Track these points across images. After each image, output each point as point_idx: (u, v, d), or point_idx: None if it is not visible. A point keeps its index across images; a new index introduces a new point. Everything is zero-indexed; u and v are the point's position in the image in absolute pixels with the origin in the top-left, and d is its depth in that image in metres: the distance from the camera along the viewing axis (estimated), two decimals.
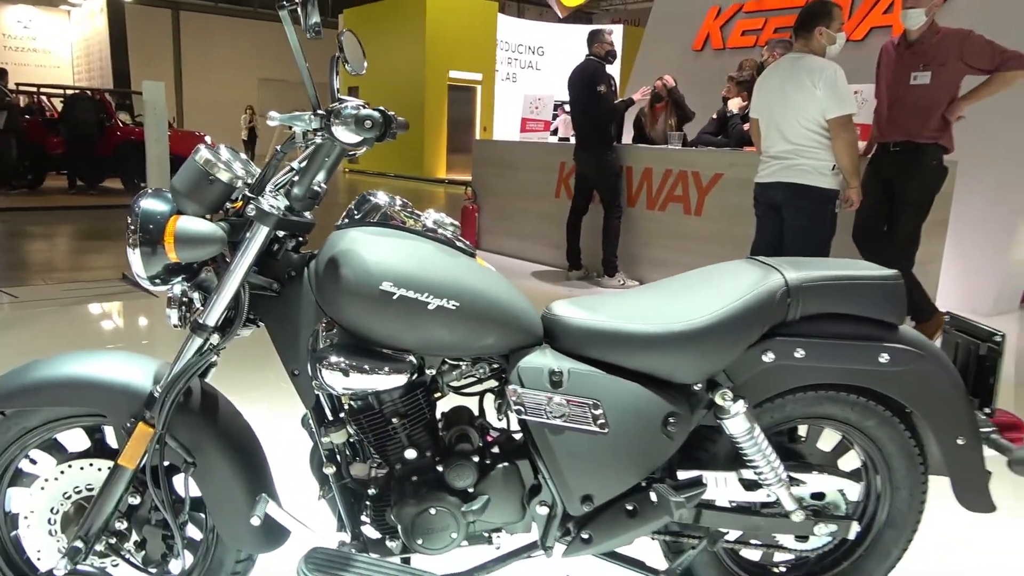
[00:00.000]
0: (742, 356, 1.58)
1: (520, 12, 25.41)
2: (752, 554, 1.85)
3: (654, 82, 6.51)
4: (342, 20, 20.27)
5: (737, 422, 1.56)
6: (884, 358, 1.60)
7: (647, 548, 1.80)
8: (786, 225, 3.86)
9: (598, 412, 1.53)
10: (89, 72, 21.26)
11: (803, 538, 1.72)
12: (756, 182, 4.01)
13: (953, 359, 1.79)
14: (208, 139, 11.29)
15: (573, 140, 6.20)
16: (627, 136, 7.22)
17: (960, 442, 1.69)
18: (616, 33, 17.70)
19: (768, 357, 1.58)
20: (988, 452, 1.73)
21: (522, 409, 1.53)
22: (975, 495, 1.74)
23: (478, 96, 18.42)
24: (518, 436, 1.65)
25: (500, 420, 1.65)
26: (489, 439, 1.65)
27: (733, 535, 1.73)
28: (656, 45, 8.62)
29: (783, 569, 1.85)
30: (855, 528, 1.75)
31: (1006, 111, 5.17)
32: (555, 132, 8.18)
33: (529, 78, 18.96)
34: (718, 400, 1.56)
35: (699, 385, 1.59)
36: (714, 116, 6.14)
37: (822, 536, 1.71)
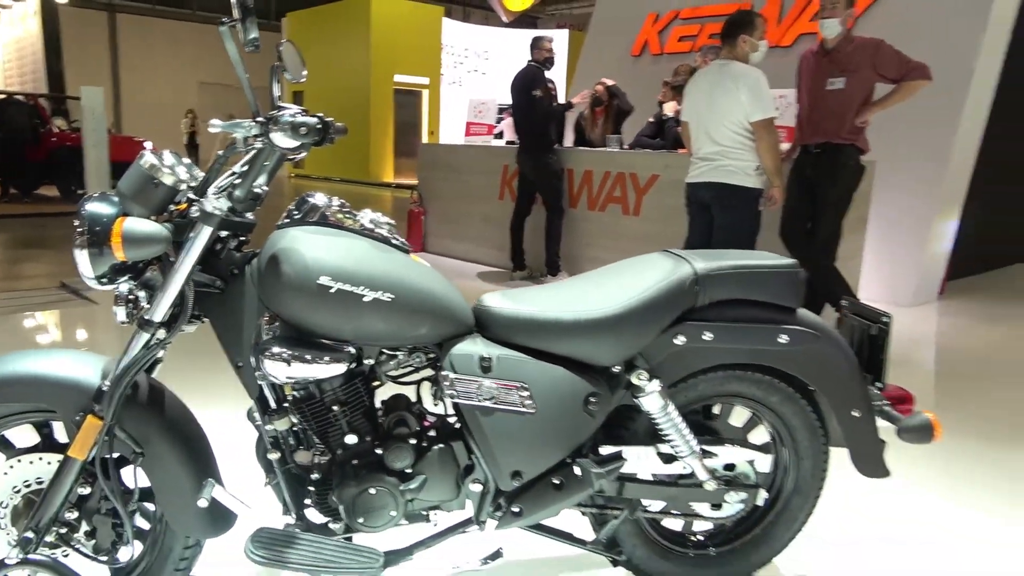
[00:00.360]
0: (656, 340, 1.73)
1: (466, 16, 25.53)
2: (673, 524, 2.01)
3: (594, 86, 6.70)
4: (285, 24, 20.09)
5: (652, 400, 1.71)
6: (783, 339, 1.77)
7: (576, 521, 1.93)
8: (715, 222, 4.06)
9: (525, 394, 1.66)
10: (22, 76, 20.64)
11: (717, 506, 1.88)
12: (687, 182, 4.21)
13: (850, 340, 1.97)
14: (148, 144, 11.12)
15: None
16: (569, 139, 7.41)
17: (855, 414, 1.86)
18: (561, 38, 18.02)
19: (680, 340, 1.73)
20: (882, 423, 1.92)
21: (455, 394, 1.65)
22: (871, 463, 1.92)
23: (424, 100, 18.48)
24: (453, 420, 1.76)
25: (436, 405, 1.76)
26: (426, 423, 1.76)
27: (654, 506, 1.88)
28: (597, 50, 8.83)
29: (701, 538, 2.01)
30: (763, 495, 1.92)
31: (921, 116, 5.50)
32: (500, 135, 8.32)
33: (475, 82, 19.09)
34: (634, 380, 1.71)
35: (618, 367, 1.73)
36: (651, 120, 6.36)
37: (734, 504, 1.87)
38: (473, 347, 1.66)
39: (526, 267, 6.33)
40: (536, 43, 6.11)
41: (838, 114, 4.25)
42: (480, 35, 19.67)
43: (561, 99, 6.24)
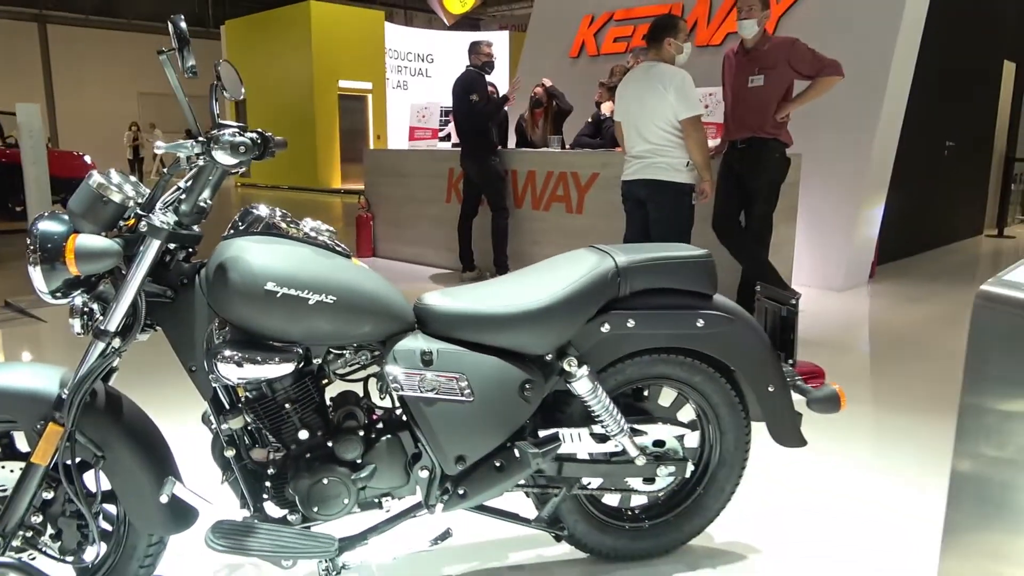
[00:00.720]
0: (584, 328, 1.88)
1: (409, 20, 25.51)
2: (611, 500, 2.16)
3: (533, 88, 6.86)
4: (224, 32, 19.83)
5: (582, 384, 1.86)
6: (700, 323, 1.94)
7: (520, 502, 2.07)
8: (650, 217, 4.25)
9: (464, 384, 1.79)
10: None
11: (650, 480, 2.03)
12: (622, 180, 4.39)
13: (763, 322, 2.15)
14: (87, 158, 10.92)
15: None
16: (512, 141, 7.56)
17: (770, 389, 2.05)
18: (503, 39, 18.18)
19: (605, 328, 1.89)
20: (797, 397, 2.10)
21: (399, 387, 1.77)
22: (788, 434, 2.10)
23: (369, 105, 18.45)
24: (399, 411, 1.88)
25: (382, 399, 1.88)
26: (374, 417, 1.88)
27: (593, 483, 2.03)
28: (536, 52, 9.00)
29: (637, 512, 2.16)
30: (690, 468, 2.09)
31: (845, 111, 5.80)
32: (447, 138, 8.43)
33: (420, 85, 19.13)
34: (565, 366, 1.85)
35: (550, 355, 1.88)
36: (589, 120, 6.55)
37: (664, 478, 2.03)
38: (414, 343, 1.79)
39: (476, 267, 6.46)
40: (474, 47, 6.24)
41: (760, 110, 4.49)
42: (423, 38, 19.71)
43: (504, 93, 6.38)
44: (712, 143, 5.09)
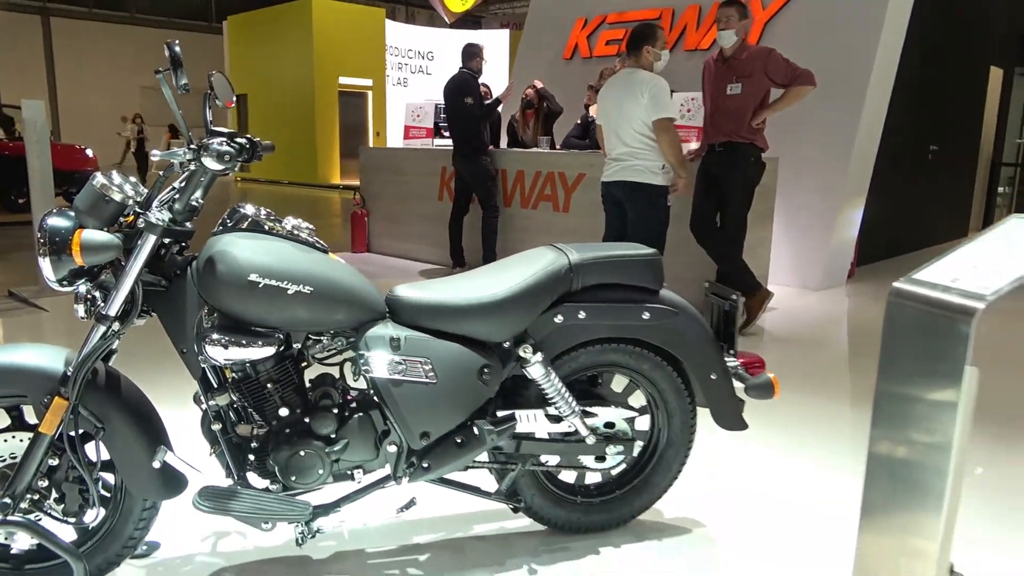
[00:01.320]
0: (539, 319, 2.07)
1: (410, 17, 25.70)
2: (568, 477, 2.36)
3: (524, 90, 7.05)
4: (226, 27, 20.02)
5: (536, 369, 2.06)
6: (646, 315, 2.13)
7: (482, 477, 2.27)
8: (628, 217, 4.44)
9: (428, 368, 1.99)
10: None
11: (601, 459, 2.23)
12: (602, 181, 4.58)
13: (710, 316, 2.34)
14: (89, 152, 11.12)
15: None
16: (504, 141, 7.75)
17: (713, 377, 2.24)
18: (503, 38, 18.35)
19: (558, 319, 2.08)
20: (739, 385, 2.30)
21: (370, 370, 1.97)
22: (729, 418, 2.30)
23: (369, 102, 18.64)
24: (371, 392, 2.08)
25: (356, 381, 2.08)
26: (348, 397, 2.07)
27: (549, 461, 2.22)
28: (531, 53, 9.18)
29: (591, 488, 2.36)
30: (639, 446, 2.29)
31: (826, 116, 5.98)
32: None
33: (420, 83, 19.31)
34: (521, 353, 2.05)
35: (508, 343, 2.07)
36: (578, 121, 6.74)
37: (614, 456, 2.22)
38: (384, 330, 1.99)
39: (465, 263, 6.65)
40: (467, 50, 6.44)
41: (737, 116, 4.68)
42: (424, 36, 19.88)
43: (498, 95, 6.58)
44: (693, 146, 5.29)
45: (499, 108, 6.67)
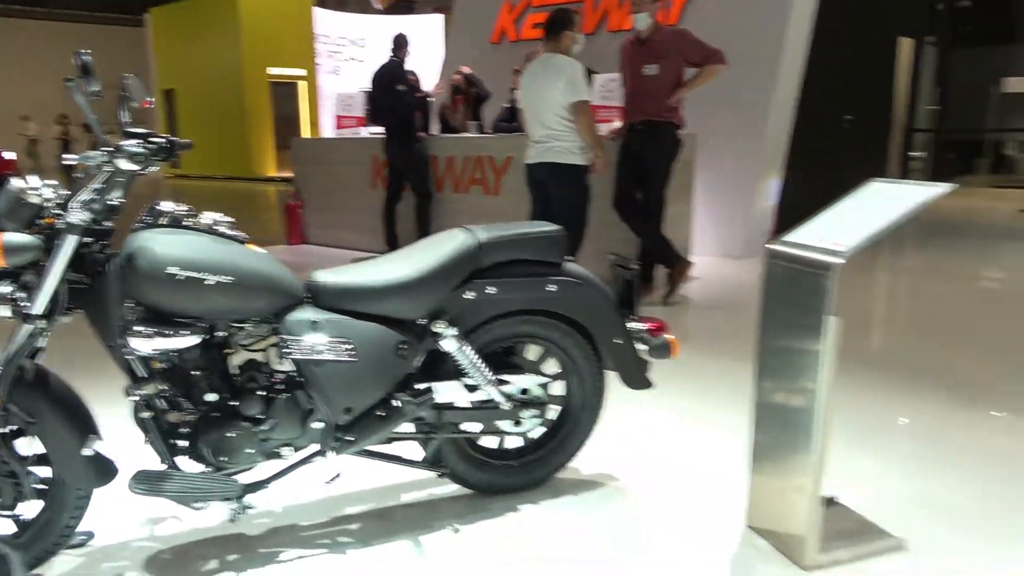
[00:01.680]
0: (451, 296, 2.22)
1: (342, 4, 25.30)
2: (490, 443, 2.51)
3: (451, 76, 7.14)
4: (148, 20, 19.48)
5: (449, 343, 2.20)
6: (551, 287, 2.30)
7: (411, 448, 2.41)
8: (551, 197, 4.61)
9: (348, 347, 2.12)
10: None
11: (518, 423, 2.39)
12: (525, 163, 4.74)
13: (615, 285, 2.52)
14: (8, 155, 10.80)
15: None
16: (436, 127, 7.83)
17: (617, 341, 2.42)
18: (437, 22, 18.27)
19: (469, 295, 2.23)
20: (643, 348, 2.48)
21: (292, 352, 2.09)
22: (635, 378, 2.49)
23: (303, 92, 18.39)
24: (295, 374, 2.19)
25: (281, 364, 2.19)
26: (273, 379, 2.18)
27: (470, 428, 2.38)
28: (460, 38, 9.27)
29: (513, 452, 2.52)
30: (553, 410, 2.46)
31: (741, 93, 6.24)
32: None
33: (354, 71, 19.10)
34: (434, 328, 2.19)
35: (423, 320, 2.21)
36: (505, 105, 6.87)
37: (530, 420, 2.39)
38: (303, 314, 2.10)
39: None
40: (396, 40, 6.50)
41: (655, 96, 4.88)
42: (356, 23, 19.64)
43: (430, 84, 6.66)
44: (616, 125, 5.47)
45: (427, 101, 6.76)
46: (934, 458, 2.74)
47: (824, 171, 8.26)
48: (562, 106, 4.42)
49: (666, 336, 2.41)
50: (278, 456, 2.17)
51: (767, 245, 2.21)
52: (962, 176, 13.14)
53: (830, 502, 2.29)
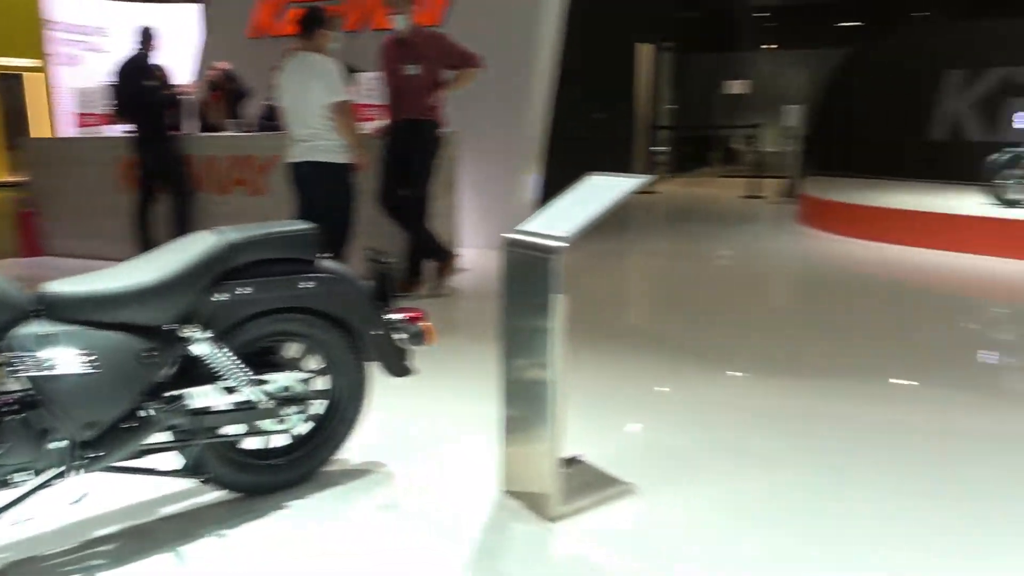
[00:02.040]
0: (202, 298, 2.19)
1: None
2: (255, 444, 2.50)
3: (206, 71, 6.80)
4: None
5: (201, 347, 2.18)
6: (306, 284, 2.35)
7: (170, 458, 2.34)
8: (315, 196, 4.60)
9: (89, 358, 2.01)
10: None
11: (281, 421, 2.41)
12: (287, 162, 4.69)
13: (373, 279, 2.61)
14: None
15: None
16: (195, 125, 7.40)
17: (374, 332, 2.52)
18: (191, 12, 17.07)
19: (222, 297, 2.22)
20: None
21: (23, 369, 1.95)
22: (395, 367, 2.61)
23: (33, 85, 16.35)
24: (31, 392, 2.03)
25: (10, 383, 2.03)
26: (2, 401, 2.02)
27: (232, 431, 2.36)
28: (216, 31, 8.80)
29: (279, 450, 2.54)
30: (319, 405, 2.51)
31: (499, 94, 6.58)
32: None
33: (96, 61, 17.33)
34: (182, 333, 2.16)
35: (171, 325, 2.16)
36: (264, 102, 6.68)
37: (294, 416, 2.42)
38: (31, 328, 1.97)
39: None
40: (148, 34, 6.07)
41: (416, 94, 5.03)
42: (97, 10, 17.81)
43: (183, 79, 6.28)
44: (379, 123, 5.56)
45: (178, 101, 6.38)
46: (672, 413, 3.17)
47: (578, 166, 8.96)
48: (322, 106, 4.43)
49: (421, 324, 2.55)
50: (10, 484, 2.02)
51: (502, 235, 2.44)
52: (699, 167, 14.83)
53: (573, 461, 2.57)
